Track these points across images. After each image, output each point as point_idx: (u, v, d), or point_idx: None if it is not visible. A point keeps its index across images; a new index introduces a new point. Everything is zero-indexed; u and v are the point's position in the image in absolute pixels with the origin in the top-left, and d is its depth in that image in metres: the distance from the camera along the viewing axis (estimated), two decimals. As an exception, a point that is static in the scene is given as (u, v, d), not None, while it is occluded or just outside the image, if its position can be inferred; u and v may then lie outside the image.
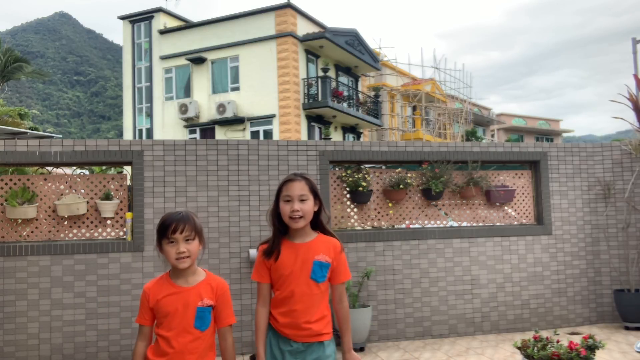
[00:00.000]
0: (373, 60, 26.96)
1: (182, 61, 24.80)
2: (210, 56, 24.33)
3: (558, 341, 4.22)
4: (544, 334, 4.63)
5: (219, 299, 2.49)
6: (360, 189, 6.07)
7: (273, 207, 2.60)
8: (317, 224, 2.62)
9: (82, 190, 5.62)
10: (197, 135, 24.32)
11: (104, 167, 6.32)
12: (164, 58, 25.40)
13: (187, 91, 25.05)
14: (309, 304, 2.52)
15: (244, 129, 23.38)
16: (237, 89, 23.79)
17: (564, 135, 49.41)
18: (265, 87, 22.87)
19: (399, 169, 6.49)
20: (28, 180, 5.52)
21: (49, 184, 5.58)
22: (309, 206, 2.53)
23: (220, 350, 2.55)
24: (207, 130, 24.15)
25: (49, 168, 5.79)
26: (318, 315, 2.54)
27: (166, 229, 2.41)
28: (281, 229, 2.58)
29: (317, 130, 24.03)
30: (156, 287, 2.47)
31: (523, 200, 6.79)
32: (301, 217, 2.51)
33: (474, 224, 6.61)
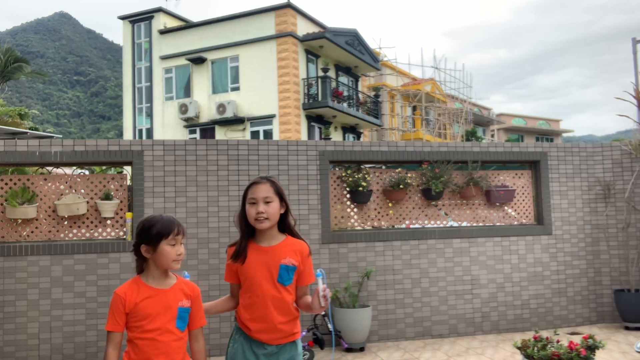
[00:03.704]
0: (373, 60, 26.94)
1: (182, 61, 24.79)
2: (210, 56, 24.31)
3: (558, 341, 4.22)
4: (544, 334, 4.63)
5: (193, 302, 2.53)
6: (360, 189, 6.07)
7: (240, 210, 2.63)
8: (284, 226, 2.65)
9: (82, 190, 5.62)
10: (197, 135, 24.30)
11: (104, 167, 6.32)
12: (164, 58, 25.38)
13: (187, 91, 25.03)
14: (279, 306, 2.55)
15: (244, 129, 23.36)
16: (237, 89, 23.77)
17: (564, 135, 49.39)
18: (265, 87, 22.85)
19: (399, 169, 6.49)
20: (28, 180, 5.52)
21: (49, 184, 5.58)
22: (274, 208, 2.55)
23: (192, 352, 2.57)
24: (207, 130, 24.13)
25: (49, 168, 5.79)
26: (290, 316, 2.58)
27: (170, 231, 2.44)
28: (248, 232, 2.61)
29: (317, 130, 24.01)
30: (131, 291, 2.44)
31: (523, 200, 6.78)
32: (266, 218, 2.54)
33: (474, 224, 6.61)
